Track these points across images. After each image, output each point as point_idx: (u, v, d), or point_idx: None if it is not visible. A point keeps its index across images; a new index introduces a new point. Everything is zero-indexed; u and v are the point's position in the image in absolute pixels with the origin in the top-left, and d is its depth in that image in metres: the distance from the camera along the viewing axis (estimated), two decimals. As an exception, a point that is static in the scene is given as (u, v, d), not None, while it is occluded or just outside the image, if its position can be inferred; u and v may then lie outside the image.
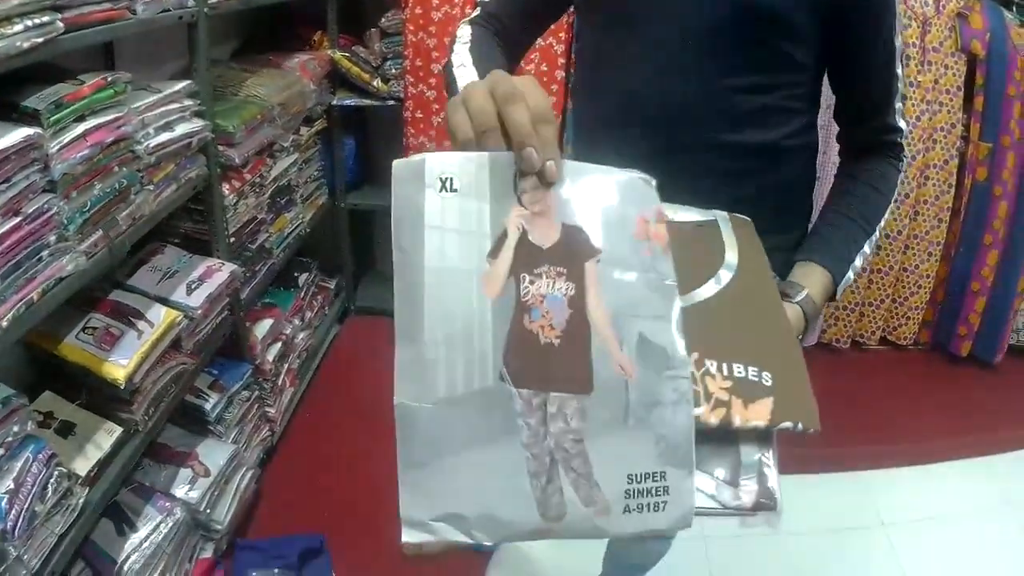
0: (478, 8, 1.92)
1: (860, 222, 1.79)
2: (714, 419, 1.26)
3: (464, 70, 1.73)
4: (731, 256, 1.50)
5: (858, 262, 1.76)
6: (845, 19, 1.73)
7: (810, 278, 1.69)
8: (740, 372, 1.31)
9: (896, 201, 4.33)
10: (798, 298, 1.63)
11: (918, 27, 4.40)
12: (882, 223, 1.81)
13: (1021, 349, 5.09)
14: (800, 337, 1.62)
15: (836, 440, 4.16)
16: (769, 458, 1.28)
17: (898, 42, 1.78)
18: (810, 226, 1.93)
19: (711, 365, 1.31)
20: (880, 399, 4.56)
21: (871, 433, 4.25)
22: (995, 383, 4.84)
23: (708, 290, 1.43)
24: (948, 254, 4.91)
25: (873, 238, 1.78)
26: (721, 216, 1.56)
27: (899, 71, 1.81)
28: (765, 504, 1.22)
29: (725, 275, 1.46)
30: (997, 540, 3.64)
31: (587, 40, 2.05)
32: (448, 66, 1.78)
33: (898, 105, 1.83)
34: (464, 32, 1.84)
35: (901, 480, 4.01)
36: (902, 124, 1.85)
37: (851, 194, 1.84)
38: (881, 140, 1.85)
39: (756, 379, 1.31)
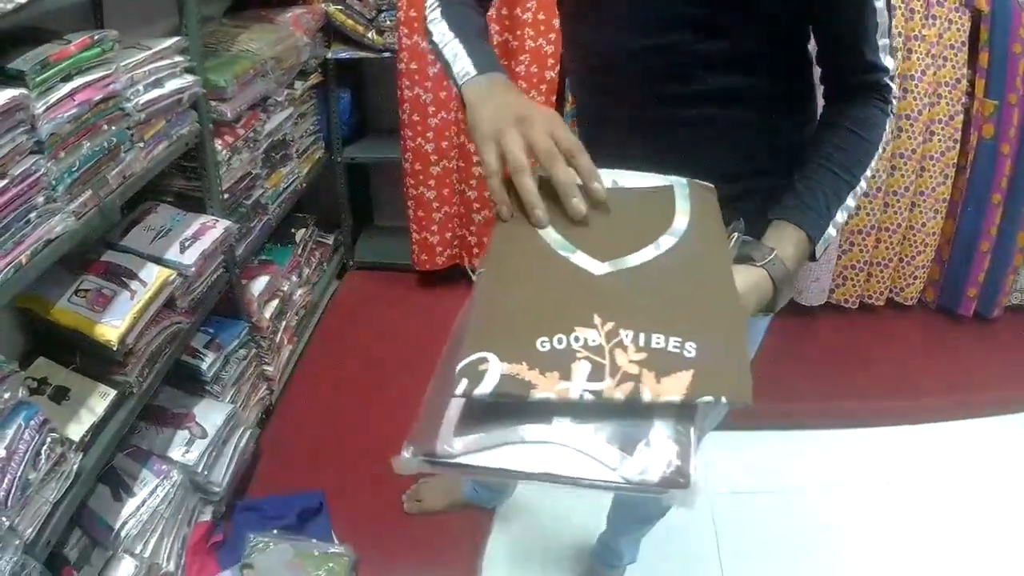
0: None
1: (842, 173, 1.69)
2: (619, 394, 1.20)
3: (451, 47, 1.74)
4: (680, 222, 1.47)
5: (840, 217, 1.68)
6: None
7: (782, 240, 1.61)
8: (659, 343, 1.25)
9: (903, 157, 4.31)
10: (763, 261, 1.54)
11: (922, -20, 4.34)
12: (868, 172, 1.72)
13: (1020, 307, 5.10)
14: (772, 301, 1.57)
15: (840, 397, 4.16)
16: (687, 433, 1.20)
17: None
18: None
19: (625, 336, 1.26)
20: (885, 358, 4.55)
21: (875, 391, 4.24)
22: (997, 342, 4.85)
23: (643, 255, 1.39)
24: (954, 211, 4.86)
25: (857, 189, 1.69)
26: (679, 183, 1.55)
27: (880, 3, 1.67)
28: (675, 481, 1.15)
29: (667, 241, 1.42)
30: (1001, 499, 3.63)
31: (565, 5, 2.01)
32: (433, 43, 1.78)
33: (882, 41, 1.70)
34: (433, 11, 1.85)
35: (905, 438, 4.00)
36: (887, 62, 1.73)
37: (831, 143, 1.73)
38: (863, 80, 1.74)
39: (677, 351, 1.25)
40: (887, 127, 1.74)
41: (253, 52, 3.62)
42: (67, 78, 2.26)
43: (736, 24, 1.68)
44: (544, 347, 1.26)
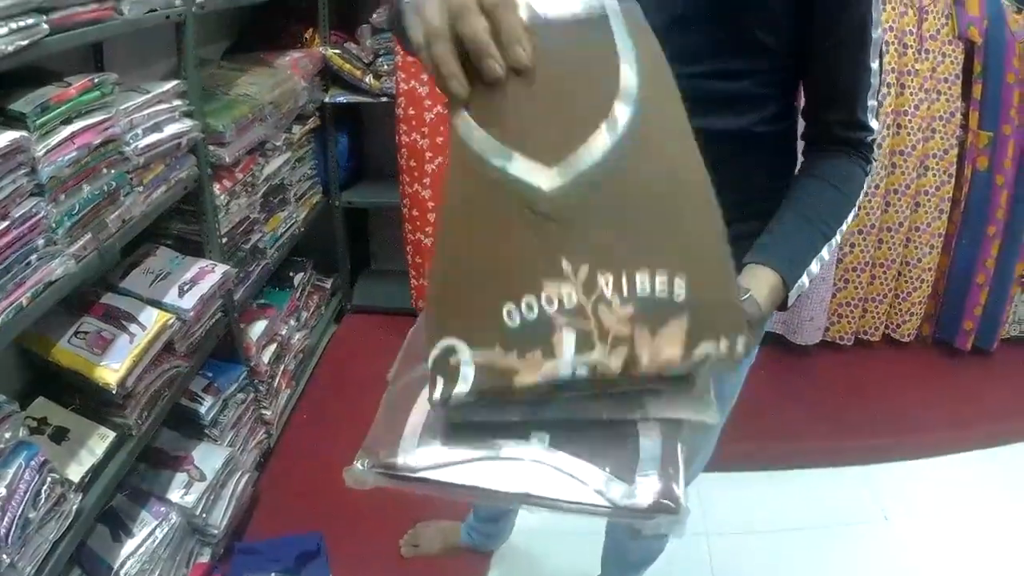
0: None
1: (820, 226, 1.70)
2: (615, 363, 1.03)
3: None
4: (628, 77, 1.14)
5: (815, 268, 1.68)
6: (820, 11, 1.67)
7: (759, 280, 1.59)
8: (644, 287, 1.04)
9: (897, 193, 4.32)
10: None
11: (915, 15, 4.36)
12: (843, 227, 1.73)
13: (1018, 339, 5.10)
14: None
15: (838, 435, 4.16)
16: (674, 451, 1.09)
17: (876, 34, 1.70)
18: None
19: (605, 284, 1.03)
20: (882, 394, 4.55)
21: (873, 427, 4.24)
22: (995, 374, 4.84)
23: (599, 145, 1.08)
24: (949, 245, 4.87)
25: (833, 242, 1.71)
26: (611, 6, 1.17)
27: (875, 65, 1.72)
28: (665, 506, 1.02)
29: (621, 113, 1.10)
30: (1002, 532, 3.62)
31: None
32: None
33: (871, 103, 1.75)
34: None
35: (904, 474, 4.00)
36: (873, 123, 1.76)
37: (811, 194, 1.75)
38: (848, 136, 1.77)
39: (665, 294, 1.05)
40: (864, 185, 1.77)
41: (251, 96, 3.64)
42: (67, 121, 2.27)
43: (738, 67, 1.71)
44: (513, 320, 1.04)
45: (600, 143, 1.07)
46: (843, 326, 4.93)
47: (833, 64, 1.73)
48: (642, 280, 1.04)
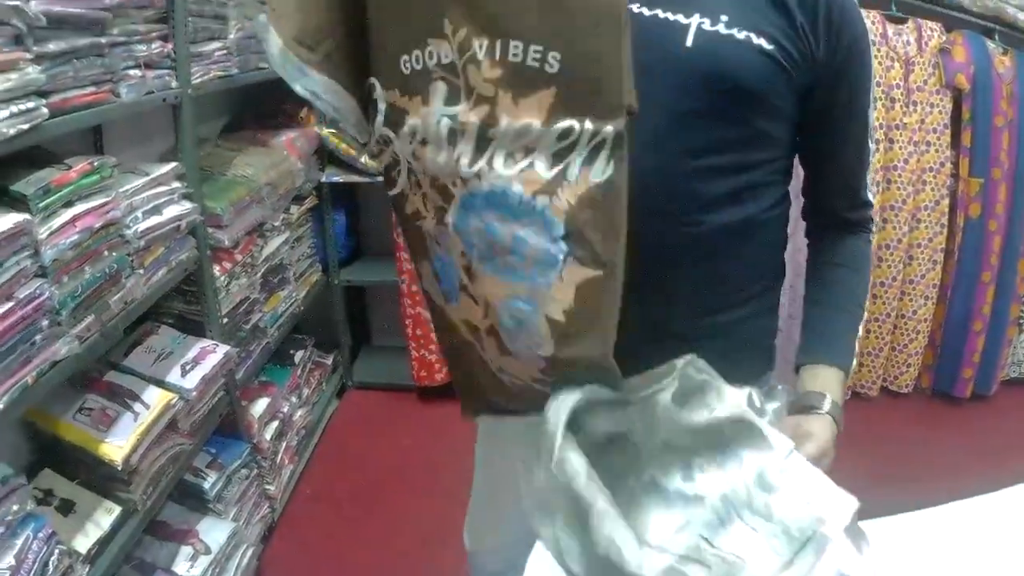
0: None
1: (852, 308, 1.81)
2: (474, 118, 1.16)
3: None
4: None
5: (855, 346, 1.79)
6: (823, 95, 1.72)
7: (828, 382, 1.72)
8: (516, 55, 1.13)
9: (889, 248, 4.37)
10: (826, 408, 1.66)
11: (901, 67, 4.44)
12: (867, 300, 1.84)
13: (1017, 381, 5.11)
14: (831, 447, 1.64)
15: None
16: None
17: (872, 114, 1.78)
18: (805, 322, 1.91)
19: (479, 47, 1.15)
20: (880, 447, 4.54)
21: (870, 482, 4.24)
22: (995, 418, 4.86)
23: None
24: (944, 295, 4.89)
25: (863, 317, 1.81)
26: None
27: (871, 144, 1.81)
28: None
29: None
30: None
31: None
32: None
33: (868, 177, 1.84)
34: None
35: (903, 527, 4.00)
36: (871, 198, 1.86)
37: (837, 283, 1.85)
38: (853, 216, 1.86)
39: (536, 64, 1.13)
40: (871, 255, 1.88)
41: (248, 178, 3.71)
42: (68, 204, 2.33)
43: (745, 160, 1.74)
44: (407, 68, 1.20)
45: None
46: (839, 381, 4.92)
47: (840, 159, 1.81)
48: (516, 47, 1.12)
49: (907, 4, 4.57)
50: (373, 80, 1.28)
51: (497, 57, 1.13)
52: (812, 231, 1.94)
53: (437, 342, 1.57)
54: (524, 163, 1.19)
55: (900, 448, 4.54)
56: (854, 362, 1.77)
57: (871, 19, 4.36)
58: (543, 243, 1.23)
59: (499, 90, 1.15)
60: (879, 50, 4.37)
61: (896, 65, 4.44)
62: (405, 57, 1.22)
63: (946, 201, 4.70)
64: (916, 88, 4.47)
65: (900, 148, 4.49)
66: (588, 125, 1.15)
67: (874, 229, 1.89)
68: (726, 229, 1.76)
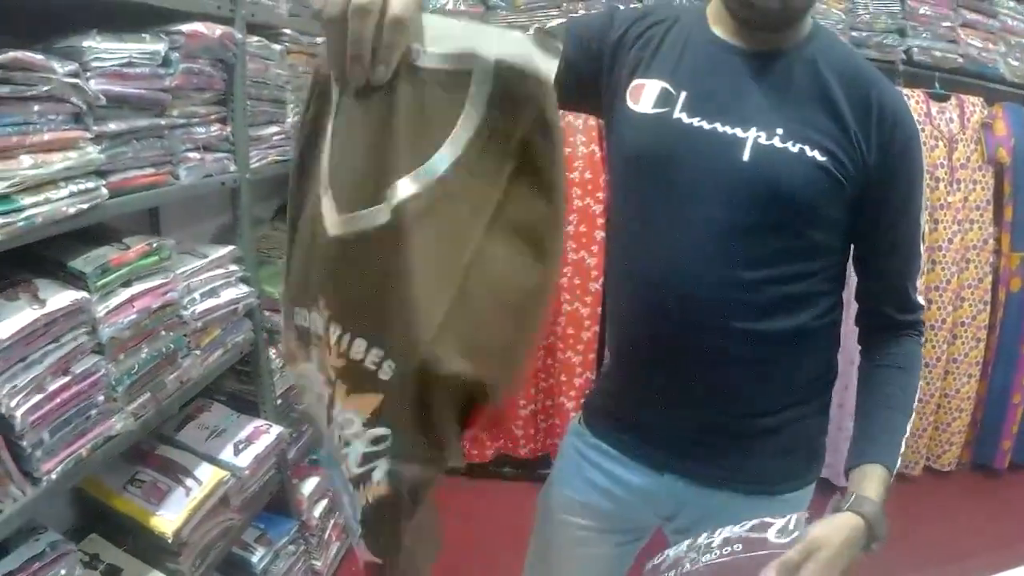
0: None
1: (903, 409, 1.82)
2: (327, 391, 1.24)
3: None
4: (441, 156, 1.15)
5: (903, 446, 1.79)
6: (875, 198, 1.76)
7: (864, 478, 1.72)
8: (358, 353, 1.16)
9: (933, 328, 4.42)
10: (847, 505, 1.66)
11: (945, 146, 4.46)
12: (916, 402, 1.85)
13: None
14: (869, 535, 1.66)
15: (879, 572, 4.16)
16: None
17: (923, 218, 1.81)
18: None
19: (334, 333, 1.19)
20: (924, 525, 4.49)
21: (915, 561, 4.23)
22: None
23: (378, 216, 1.14)
24: (986, 370, 4.85)
25: (912, 418, 1.82)
26: (483, 64, 1.14)
27: (922, 248, 1.83)
28: None
29: (404, 190, 1.12)
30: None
31: (617, 215, 2.07)
32: None
33: (918, 281, 1.87)
34: None
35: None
36: (921, 300, 1.88)
37: (888, 384, 1.86)
38: (903, 320, 1.87)
39: (374, 368, 1.16)
40: (921, 356, 1.89)
41: (304, 264, 3.73)
42: (126, 283, 2.39)
43: (798, 270, 1.79)
44: (301, 321, 1.29)
45: (380, 214, 1.13)
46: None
47: (892, 263, 1.85)
48: (359, 347, 1.16)
49: (950, 80, 4.62)
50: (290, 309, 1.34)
51: (343, 349, 1.18)
52: (864, 334, 1.96)
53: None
54: (346, 449, 1.25)
55: (943, 525, 4.49)
56: (898, 463, 1.76)
57: (915, 99, 4.40)
58: (351, 519, 1.33)
59: (338, 379, 1.21)
60: (923, 130, 4.38)
61: (940, 144, 4.47)
62: (300, 309, 1.29)
63: (989, 278, 4.70)
64: (959, 166, 4.49)
65: (944, 228, 4.50)
66: (400, 439, 1.20)
67: (923, 330, 1.90)
68: (780, 337, 1.80)
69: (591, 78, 1.92)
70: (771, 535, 1.60)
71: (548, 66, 1.15)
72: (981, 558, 4.20)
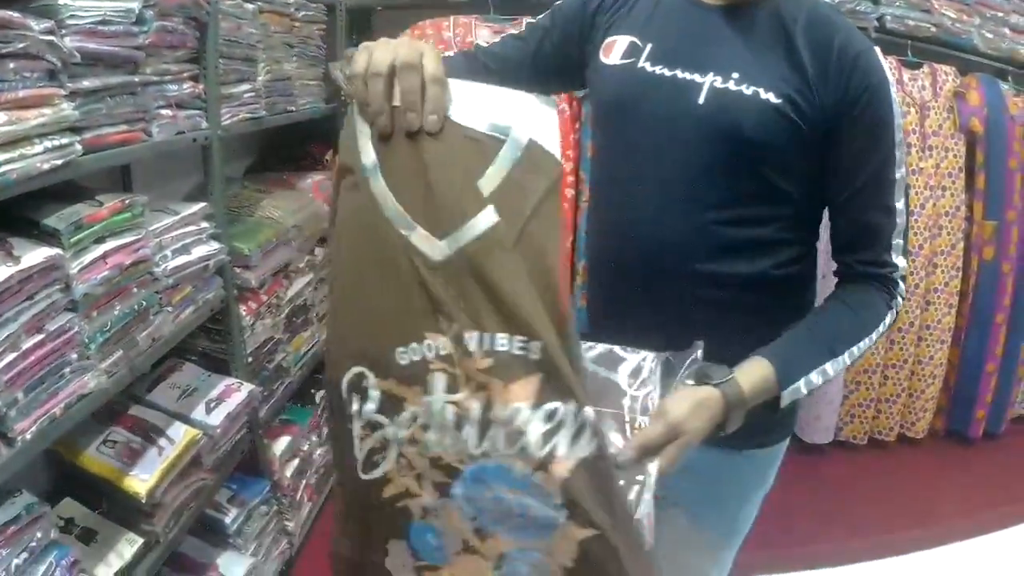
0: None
1: (828, 341, 1.76)
2: (475, 404, 1.30)
3: None
4: (487, 191, 1.35)
5: (815, 378, 1.72)
6: (833, 149, 1.76)
7: (749, 370, 1.67)
8: (503, 345, 1.30)
9: (907, 294, 4.34)
10: (718, 381, 1.61)
11: (917, 113, 4.49)
12: (856, 351, 1.77)
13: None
14: (721, 425, 1.62)
15: (851, 533, 4.18)
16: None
17: (899, 174, 1.78)
18: None
19: (470, 340, 1.31)
20: (895, 490, 4.57)
21: (886, 523, 4.25)
22: (1006, 456, 4.94)
23: (479, 225, 1.33)
24: (959, 338, 4.91)
25: (840, 360, 1.75)
26: (516, 140, 1.37)
27: (899, 205, 1.79)
28: None
29: (487, 216, 1.33)
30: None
31: (594, 166, 2.16)
32: None
33: (897, 241, 1.81)
34: None
35: (917, 565, 3.99)
36: (900, 261, 1.82)
37: (827, 314, 1.83)
38: (872, 272, 1.82)
39: (522, 352, 1.30)
40: (888, 318, 1.82)
41: (275, 220, 3.77)
42: (99, 240, 2.36)
43: (760, 214, 1.81)
44: (404, 360, 1.34)
45: (477, 225, 1.32)
46: (856, 427, 4.94)
47: (855, 210, 1.82)
48: (501, 339, 1.30)
49: (922, 49, 4.62)
50: (363, 370, 1.39)
51: (486, 348, 1.29)
52: (837, 282, 1.93)
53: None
54: (519, 444, 1.32)
55: (915, 491, 4.56)
56: (801, 386, 1.69)
57: (887, 66, 4.42)
58: (543, 509, 1.35)
59: (490, 378, 1.30)
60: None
61: (912, 111, 4.50)
62: (401, 349, 1.35)
63: (961, 245, 4.74)
64: (931, 133, 4.53)
65: (917, 193, 4.53)
66: (571, 405, 1.30)
67: (899, 293, 1.83)
68: (742, 281, 1.83)
69: (577, 55, 2.06)
70: (622, 379, 1.63)
71: (550, 111, 1.40)
72: (952, 524, 4.24)
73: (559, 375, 1.30)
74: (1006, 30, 4.81)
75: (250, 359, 3.53)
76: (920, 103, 4.52)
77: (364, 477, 1.46)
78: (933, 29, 4.72)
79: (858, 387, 4.83)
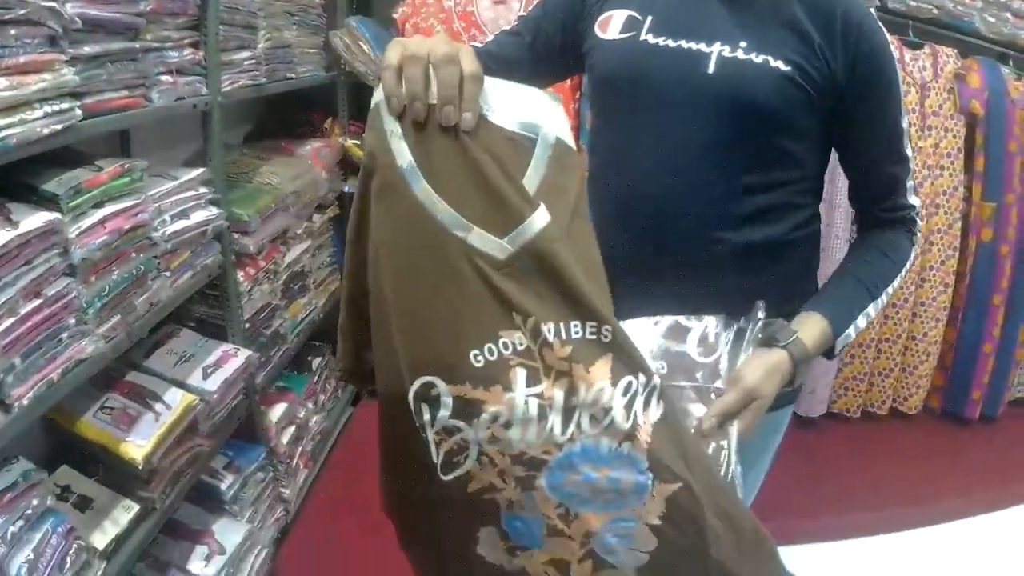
0: None
1: (867, 284, 1.83)
2: (558, 392, 1.35)
3: None
4: (532, 190, 1.38)
5: (861, 322, 1.80)
6: (847, 113, 1.79)
7: (808, 325, 1.73)
8: (578, 332, 1.35)
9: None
10: (785, 342, 1.67)
11: (917, 92, 4.46)
12: (891, 289, 1.85)
13: (1022, 400, 5.18)
14: (791, 384, 1.68)
15: (842, 508, 4.19)
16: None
17: (904, 122, 1.84)
18: None
19: (548, 331, 1.35)
20: (889, 466, 4.57)
21: (878, 499, 4.26)
22: (1002, 439, 4.92)
23: (537, 223, 1.35)
24: (955, 318, 4.90)
25: (879, 301, 1.83)
26: (545, 138, 1.41)
27: (908, 151, 1.86)
28: None
29: (542, 215, 1.36)
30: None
31: (596, 136, 2.13)
32: None
33: (909, 183, 1.89)
34: None
35: (909, 543, 4.00)
36: (915, 201, 1.90)
37: (861, 259, 1.89)
38: (893, 216, 1.90)
39: (594, 337, 1.36)
40: (912, 254, 1.89)
41: (274, 186, 3.76)
42: (98, 204, 2.36)
43: (773, 179, 1.83)
44: (479, 362, 1.36)
45: (535, 222, 1.34)
46: (849, 400, 4.96)
47: (875, 165, 1.87)
48: (576, 327, 1.34)
49: (924, 30, 4.60)
50: (431, 379, 1.40)
51: (564, 337, 1.33)
52: (858, 229, 2.01)
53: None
54: (606, 420, 1.37)
55: (908, 468, 4.56)
56: (851, 331, 1.79)
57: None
58: (634, 476, 1.41)
59: (572, 364, 1.34)
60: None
61: (912, 90, 4.47)
62: (475, 352, 1.36)
63: (959, 225, 4.73)
64: (931, 113, 4.50)
65: (915, 172, 4.47)
66: (641, 377, 1.37)
67: (919, 230, 1.92)
68: (753, 248, 1.84)
69: (573, 39, 2.07)
70: (692, 349, 1.68)
71: (559, 107, 1.44)
72: (944, 503, 4.24)
73: (625, 351, 1.36)
74: (1008, 15, 4.77)
75: (247, 325, 3.53)
76: (920, 83, 4.49)
77: (445, 478, 1.49)
78: (935, 11, 4.68)
79: (852, 360, 4.84)
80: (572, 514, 1.47)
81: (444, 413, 1.40)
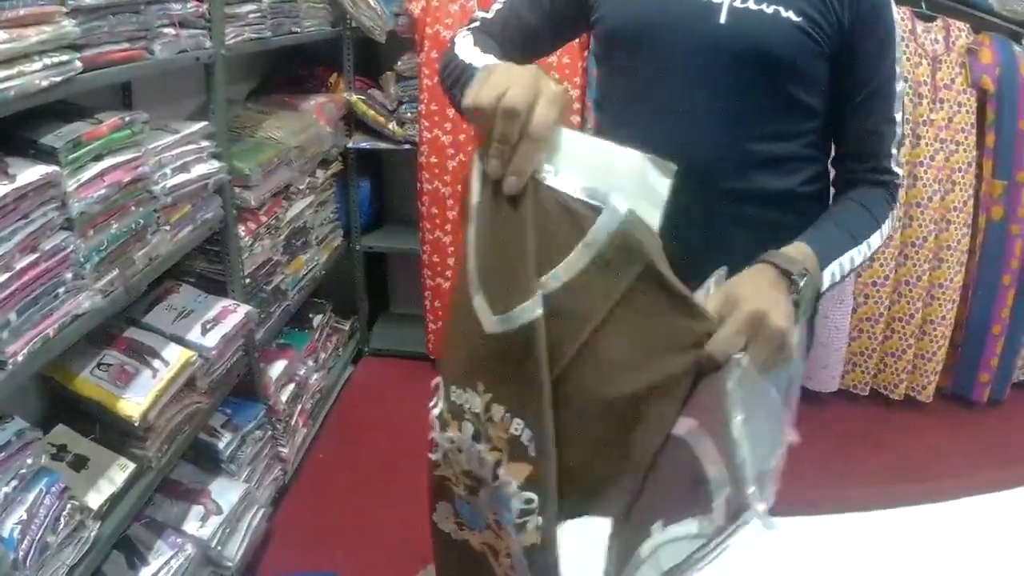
0: (476, 22, 1.99)
1: (849, 230, 1.78)
2: (490, 458, 1.44)
3: (473, 55, 1.79)
4: (560, 269, 1.30)
5: (845, 263, 1.71)
6: (847, 65, 1.79)
7: (800, 251, 1.61)
8: (517, 430, 1.38)
9: (915, 246, 4.33)
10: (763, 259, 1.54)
11: (928, 65, 4.39)
12: (871, 243, 1.79)
13: (1026, 384, 5.13)
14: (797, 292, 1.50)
15: (847, 482, 4.17)
16: (722, 475, 1.20)
17: (899, 87, 1.83)
18: None
19: (496, 412, 1.40)
20: (896, 444, 4.57)
21: (884, 475, 4.26)
22: (1007, 420, 4.90)
23: (529, 311, 1.30)
24: (966, 296, 4.86)
25: (861, 250, 1.77)
26: (613, 212, 1.27)
27: (898, 116, 1.84)
28: (738, 509, 1.12)
29: (532, 307, 1.29)
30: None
31: (605, 91, 2.12)
32: (454, 55, 1.83)
33: (894, 151, 1.86)
34: (464, 36, 1.90)
35: (913, 518, 3.99)
36: (898, 170, 1.87)
37: (841, 209, 1.86)
38: (874, 179, 1.87)
39: (528, 444, 1.37)
40: (890, 218, 1.85)
41: (277, 140, 3.72)
42: (97, 158, 2.32)
43: (785, 129, 1.83)
44: (454, 396, 1.47)
45: (527, 312, 1.30)
46: (858, 375, 4.92)
47: (863, 118, 1.85)
48: (517, 424, 1.38)
49: (937, 3, 4.53)
50: (441, 380, 1.53)
51: (507, 427, 1.39)
52: (837, 192, 1.96)
53: (437, 549, 1.83)
54: (510, 503, 1.43)
55: (915, 448, 4.56)
56: (836, 272, 1.68)
57: (900, 15, 4.33)
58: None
59: (502, 449, 1.41)
60: (907, 46, 4.36)
61: (924, 62, 4.40)
62: (455, 387, 1.47)
63: (972, 202, 4.67)
64: (943, 86, 4.43)
65: (927, 145, 4.45)
66: (545, 508, 1.39)
67: (898, 199, 1.90)
68: (766, 197, 1.86)
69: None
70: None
71: (663, 185, 1.32)
72: (949, 481, 4.22)
73: (543, 477, 1.38)
74: (1022, -6, 4.74)
75: (247, 280, 3.50)
76: (932, 55, 4.42)
77: (430, 455, 1.63)
78: (949, -16, 4.62)
79: (860, 335, 4.79)
80: (501, 527, 1.56)
81: (442, 405, 1.53)
